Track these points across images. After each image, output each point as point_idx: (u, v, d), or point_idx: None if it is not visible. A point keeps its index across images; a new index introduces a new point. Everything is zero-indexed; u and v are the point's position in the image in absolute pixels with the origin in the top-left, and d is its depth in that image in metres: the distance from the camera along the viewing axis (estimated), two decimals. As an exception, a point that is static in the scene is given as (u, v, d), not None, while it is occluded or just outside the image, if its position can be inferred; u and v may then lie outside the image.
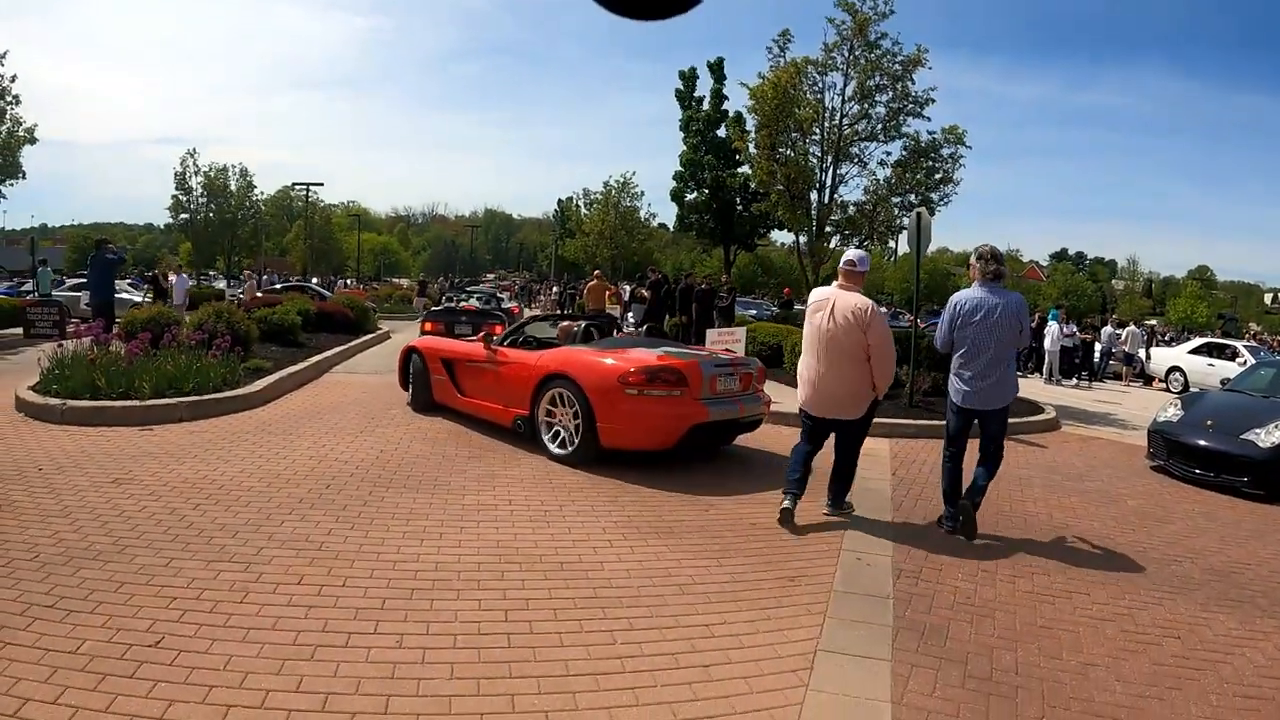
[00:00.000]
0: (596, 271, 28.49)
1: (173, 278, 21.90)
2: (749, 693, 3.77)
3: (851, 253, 6.96)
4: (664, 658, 4.08)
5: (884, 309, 40.40)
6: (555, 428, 8.53)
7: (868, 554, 5.89)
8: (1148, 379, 24.60)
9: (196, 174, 47.22)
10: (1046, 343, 22.45)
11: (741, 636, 4.37)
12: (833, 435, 6.93)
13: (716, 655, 4.13)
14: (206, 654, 3.89)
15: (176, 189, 46.86)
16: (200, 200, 47.51)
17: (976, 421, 6.73)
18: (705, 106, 34.06)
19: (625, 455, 8.20)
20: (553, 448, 8.45)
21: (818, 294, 6.89)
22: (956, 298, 6.73)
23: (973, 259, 6.84)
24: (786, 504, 6.54)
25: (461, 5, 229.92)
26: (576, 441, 8.22)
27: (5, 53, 25.02)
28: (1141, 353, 25.32)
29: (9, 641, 3.87)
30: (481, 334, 10.53)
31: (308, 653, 3.97)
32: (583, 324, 10.51)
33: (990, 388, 6.50)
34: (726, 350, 12.49)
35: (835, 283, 6.84)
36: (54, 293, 25.95)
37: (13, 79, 25.33)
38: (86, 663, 3.72)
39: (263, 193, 54.26)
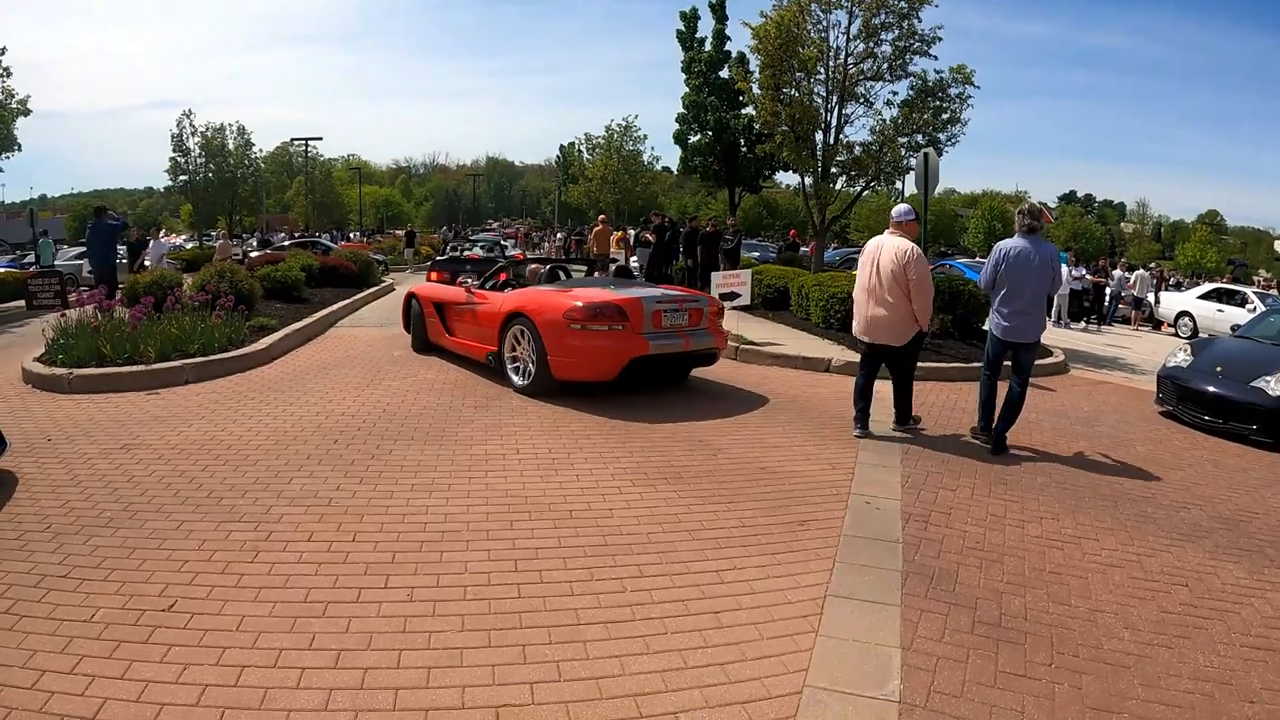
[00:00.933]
0: (601, 216, 28.31)
1: (151, 241, 21.25)
2: (759, 639, 3.78)
3: (897, 208, 8.06)
4: (674, 604, 4.10)
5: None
6: (518, 362, 9.26)
7: (877, 498, 5.88)
8: (1156, 323, 24.50)
9: (193, 135, 46.69)
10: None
11: (752, 582, 4.37)
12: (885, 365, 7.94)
13: (727, 601, 4.14)
14: (219, 615, 3.92)
15: (174, 151, 46.39)
16: (199, 161, 47.00)
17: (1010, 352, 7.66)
18: (707, 47, 33.44)
19: (636, 398, 8.59)
20: (516, 380, 9.22)
21: (871, 241, 7.96)
22: (1001, 245, 7.61)
23: (1015, 213, 7.76)
24: (857, 432, 7.71)
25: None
26: (533, 374, 8.93)
27: None
28: (1150, 296, 25.13)
29: (24, 614, 3.89)
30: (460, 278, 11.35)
31: (319, 609, 4.00)
32: (548, 266, 11.06)
33: (1025, 323, 7.45)
34: (732, 292, 12.51)
35: (887, 231, 7.82)
36: (56, 262, 25.96)
37: (1, 51, 25.10)
38: (101, 630, 3.75)
39: (261, 150, 53.96)
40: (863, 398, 7.81)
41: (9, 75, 25.55)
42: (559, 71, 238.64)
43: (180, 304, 11.54)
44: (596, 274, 12.28)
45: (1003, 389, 7.62)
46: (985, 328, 8.04)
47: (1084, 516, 5.77)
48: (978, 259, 33.01)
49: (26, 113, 26.18)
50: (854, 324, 7.99)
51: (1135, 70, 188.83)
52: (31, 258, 29.85)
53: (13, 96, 25.77)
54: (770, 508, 5.60)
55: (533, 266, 11.20)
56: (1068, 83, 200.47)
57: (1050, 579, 4.61)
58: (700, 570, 4.51)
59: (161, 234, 20.98)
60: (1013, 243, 7.46)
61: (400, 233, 53.44)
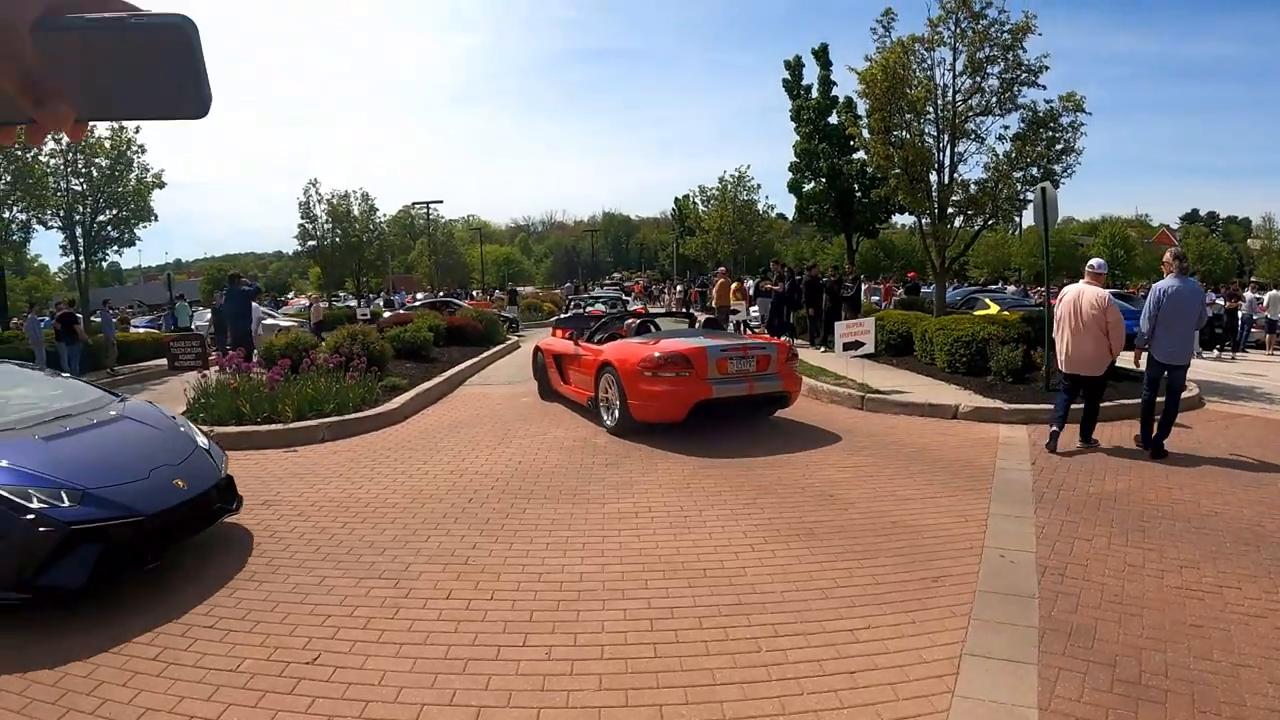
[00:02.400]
0: (721, 269, 28.59)
1: (257, 306, 20.45)
2: (895, 700, 3.83)
3: (1093, 261, 9.76)
4: (809, 664, 4.17)
5: (1011, 286, 39.44)
6: (607, 404, 10.43)
7: (1011, 550, 5.84)
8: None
9: (320, 202, 48.86)
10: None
11: (886, 641, 4.42)
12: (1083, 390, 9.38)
13: (862, 661, 4.20)
14: (361, 670, 4.19)
15: (302, 218, 48.60)
16: (325, 226, 49.07)
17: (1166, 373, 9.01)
18: (814, 94, 33.40)
19: (764, 453, 8.73)
20: (606, 420, 10.45)
21: (1069, 289, 9.61)
22: (1158, 286, 9.11)
23: (1167, 257, 9.38)
24: (1055, 428, 9.17)
25: (553, 15, 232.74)
26: (618, 415, 10.10)
27: None
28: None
29: (172, 661, 4.24)
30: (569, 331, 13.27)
31: (459, 666, 4.22)
32: (639, 320, 12.57)
33: (1179, 349, 8.95)
34: (856, 341, 12.62)
35: (1083, 280, 9.54)
36: (195, 324, 27.64)
37: (136, 130, 26.87)
38: (247, 680, 4.07)
39: (385, 215, 55.78)
40: (1064, 407, 9.26)
41: (144, 151, 27.27)
42: (668, 124, 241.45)
43: (315, 365, 12.19)
44: (692, 325, 13.16)
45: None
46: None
47: (1225, 563, 5.61)
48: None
49: (161, 185, 27.89)
50: (1059, 358, 9.55)
51: (1245, 77, 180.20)
52: (169, 318, 31.76)
53: (148, 171, 27.50)
54: (903, 563, 5.62)
55: (629, 321, 12.58)
56: (1178, 97, 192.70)
57: (1191, 632, 4.51)
58: (835, 629, 4.57)
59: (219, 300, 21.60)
60: (1168, 283, 8.96)
61: (502, 294, 54.55)
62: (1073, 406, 9.39)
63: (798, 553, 5.85)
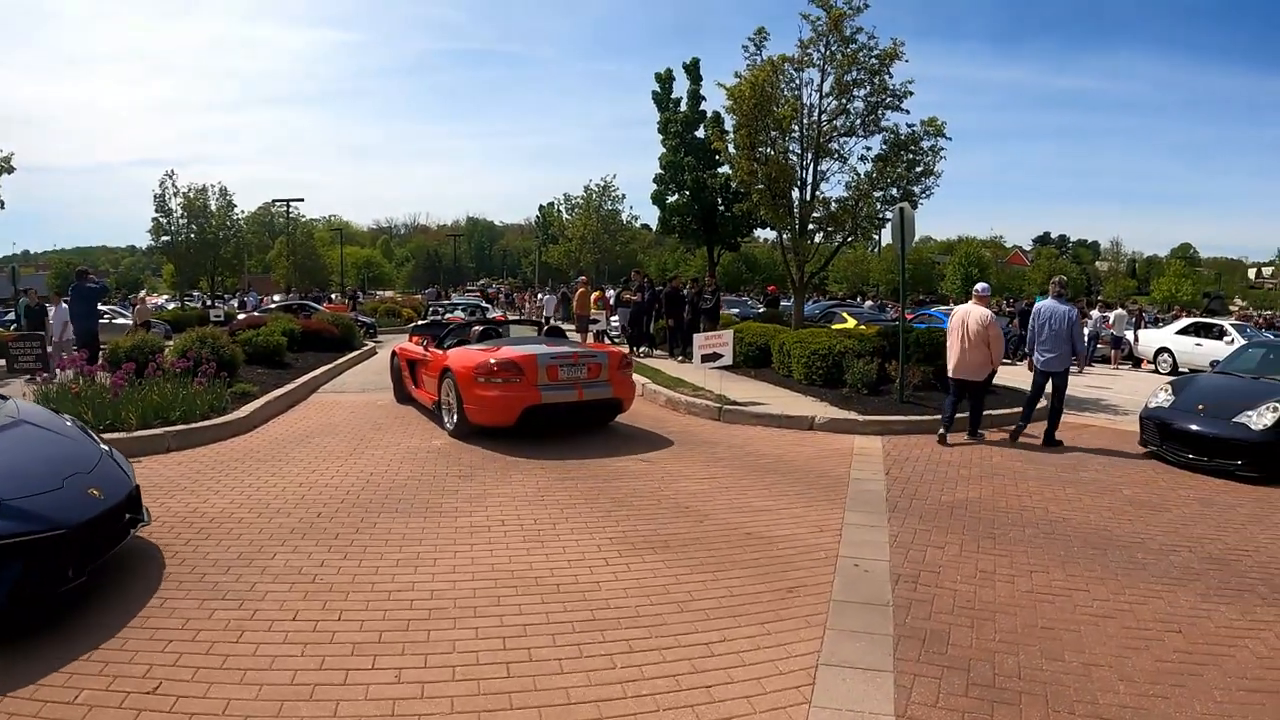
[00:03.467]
0: (582, 278, 28.52)
1: (51, 307, 19.08)
2: (751, 713, 3.75)
3: (979, 285, 11.33)
4: (665, 680, 4.06)
5: (869, 301, 40.55)
6: (447, 408, 10.65)
7: (866, 559, 5.87)
8: (1136, 361, 24.63)
9: (176, 195, 46.66)
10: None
11: (743, 654, 4.35)
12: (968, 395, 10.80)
13: (718, 675, 4.11)
14: (205, 699, 3.88)
15: (156, 211, 46.29)
16: (180, 222, 46.91)
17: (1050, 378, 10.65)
18: (683, 108, 33.89)
19: (620, 465, 8.69)
20: (447, 424, 10.66)
21: (959, 309, 11.03)
22: (1039, 305, 11.17)
23: (1051, 283, 11.51)
24: (941, 431, 10.50)
25: (432, 18, 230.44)
26: (456, 419, 10.35)
27: None
28: (1129, 334, 25.30)
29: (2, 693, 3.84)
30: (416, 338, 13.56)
31: (306, 692, 3.96)
32: (480, 327, 12.72)
33: (1055, 359, 10.57)
34: (715, 353, 12.70)
35: (970, 301, 10.95)
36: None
37: None
38: (84, 714, 3.70)
39: (243, 211, 53.76)
40: (951, 409, 10.59)
41: None
42: (538, 132, 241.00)
43: (162, 370, 11.54)
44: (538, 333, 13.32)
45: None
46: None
47: (1074, 567, 5.78)
48: (950, 306, 33.32)
49: (10, 170, 26.05)
50: (949, 365, 10.80)
51: (1104, 108, 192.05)
52: (10, 315, 29.72)
53: None
54: (759, 574, 5.58)
55: (475, 328, 12.62)
56: (1038, 125, 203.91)
57: (1043, 634, 4.60)
58: (691, 643, 4.47)
59: (63, 300, 19.27)
60: (1047, 303, 10.82)
61: (387, 293, 53.30)
62: (957, 415, 10.65)
63: (653, 566, 5.75)
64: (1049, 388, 10.69)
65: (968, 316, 10.59)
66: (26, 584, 4.55)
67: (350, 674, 4.15)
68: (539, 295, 47.50)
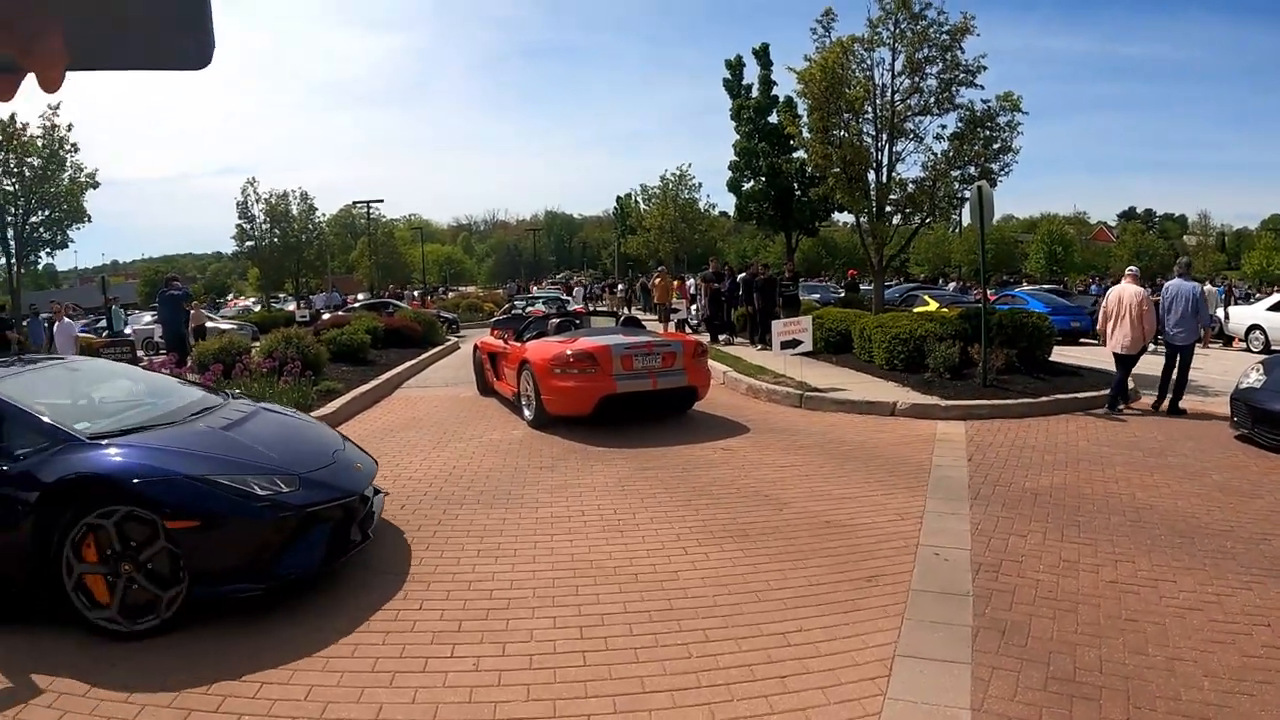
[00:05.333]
0: (661, 268, 28.56)
1: (56, 323, 18.87)
2: (826, 704, 3.75)
3: (1130, 268, 12.31)
4: (740, 670, 4.08)
5: (952, 283, 39.81)
6: (526, 399, 10.85)
7: (946, 548, 5.80)
8: (1227, 339, 23.69)
9: (258, 201, 47.79)
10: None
11: (819, 644, 4.34)
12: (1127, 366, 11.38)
13: (793, 665, 4.11)
14: (288, 685, 4.04)
15: (240, 218, 47.51)
16: (264, 227, 48.09)
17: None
18: (754, 94, 33.53)
19: (703, 454, 8.73)
20: (526, 414, 10.88)
21: (1114, 289, 11.84)
22: (1167, 285, 11.86)
23: (1178, 263, 12.75)
24: (1121, 405, 11.25)
25: (490, 14, 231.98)
26: (534, 410, 10.59)
27: (59, 104, 25.89)
28: (1220, 312, 24.35)
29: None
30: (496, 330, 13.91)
31: (386, 679, 4.09)
32: (559, 319, 13.04)
33: (1183, 333, 11.20)
34: (794, 339, 12.71)
35: (1124, 280, 11.68)
36: (131, 328, 26.94)
37: (69, 128, 26.14)
38: (172, 699, 3.88)
39: (324, 214, 54.82)
40: (1122, 383, 11.29)
41: (77, 150, 26.50)
42: (610, 122, 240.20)
43: (248, 370, 11.89)
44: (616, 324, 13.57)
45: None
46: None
47: (1160, 556, 5.62)
48: (1037, 286, 32.52)
49: (95, 185, 27.05)
50: (1114, 343, 11.31)
51: (1177, 76, 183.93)
52: (104, 323, 30.94)
53: (82, 170, 26.68)
54: (837, 564, 5.55)
55: (553, 321, 12.88)
56: (1115, 95, 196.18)
57: (1126, 627, 4.49)
58: (767, 633, 4.48)
59: (68, 311, 19.15)
60: (1174, 282, 11.57)
61: (470, 289, 53.80)
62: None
63: (731, 555, 5.76)
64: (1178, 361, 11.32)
65: (1123, 294, 11.32)
66: (334, 546, 5.29)
67: (429, 661, 4.27)
68: (619, 287, 47.61)
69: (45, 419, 5.27)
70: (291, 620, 4.82)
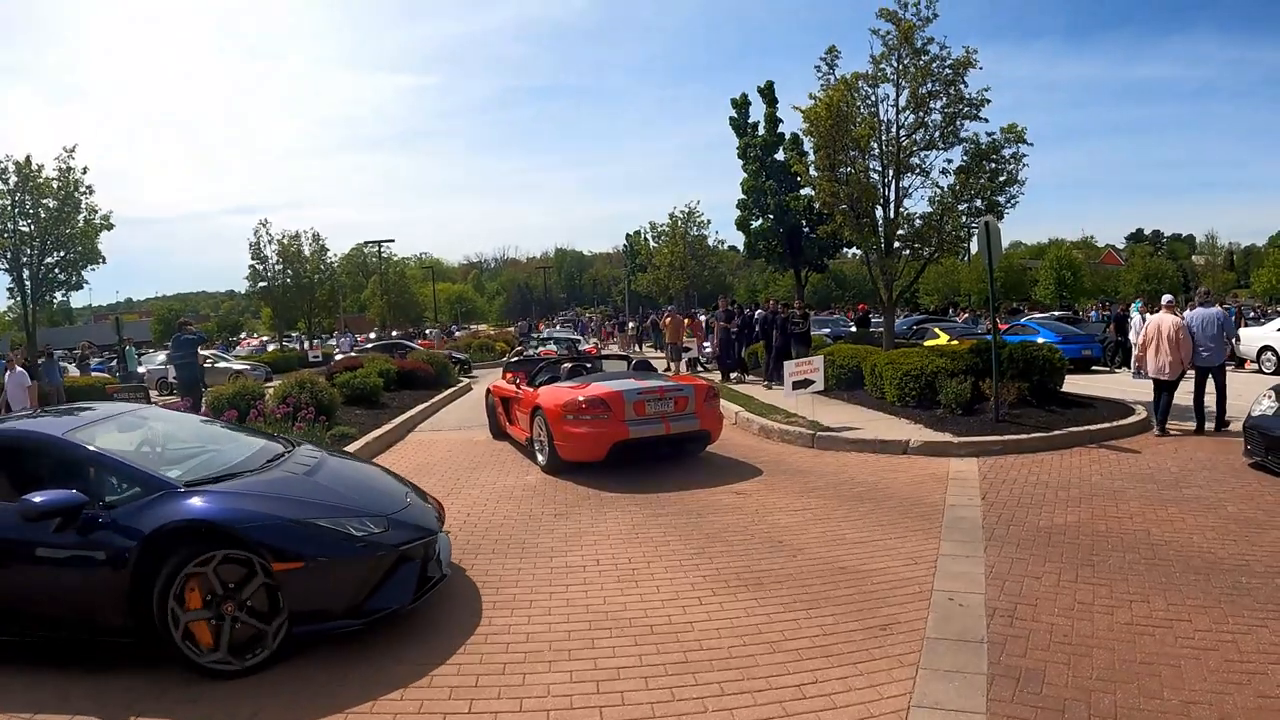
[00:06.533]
0: (670, 307, 28.67)
1: (8, 373, 17.07)
2: (843, 759, 3.76)
3: (1165, 296, 13.05)
4: (756, 725, 4.08)
5: (964, 314, 39.63)
6: (539, 444, 10.92)
7: (960, 593, 5.80)
8: (1239, 361, 23.53)
9: (270, 242, 48.29)
10: (1131, 335, 21.71)
11: (834, 695, 4.34)
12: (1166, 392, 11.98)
13: (809, 718, 4.13)
14: None
15: (252, 258, 47.94)
16: (276, 267, 48.52)
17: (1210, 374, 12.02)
18: (761, 132, 33.98)
19: (714, 499, 8.81)
20: (540, 459, 10.94)
21: (1153, 318, 12.57)
22: (1189, 314, 12.34)
23: (1197, 292, 14.09)
24: (1155, 431, 11.87)
25: (497, 55, 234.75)
26: (547, 455, 10.63)
27: (75, 146, 26.21)
28: (1228, 334, 24.17)
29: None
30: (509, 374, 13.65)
31: (400, 736, 4.10)
32: (569, 364, 12.95)
33: (1212, 355, 11.94)
34: (805, 380, 12.72)
35: (1161, 311, 12.43)
36: (145, 368, 27.36)
37: (84, 170, 26.44)
38: None
39: (335, 254, 55.23)
40: (1164, 408, 11.93)
41: (91, 193, 26.78)
42: (618, 161, 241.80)
43: (263, 416, 11.97)
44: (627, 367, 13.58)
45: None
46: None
47: (1175, 595, 5.61)
48: (1047, 315, 32.39)
49: (110, 227, 27.21)
50: (1150, 368, 12.07)
51: (1182, 97, 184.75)
52: (116, 362, 31.36)
53: (96, 212, 26.96)
54: (851, 612, 5.56)
55: (565, 365, 12.82)
56: (1120, 120, 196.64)
57: (1141, 670, 4.48)
58: (782, 685, 4.49)
59: (20, 360, 18.26)
60: (1197, 310, 12.27)
61: (481, 327, 53.94)
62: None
63: (745, 604, 5.78)
64: (1210, 385, 12.02)
65: (1162, 324, 12.02)
66: (421, 580, 5.59)
67: (448, 718, 4.30)
68: (629, 325, 47.64)
69: (140, 468, 5.55)
70: (306, 673, 4.87)
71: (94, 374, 29.74)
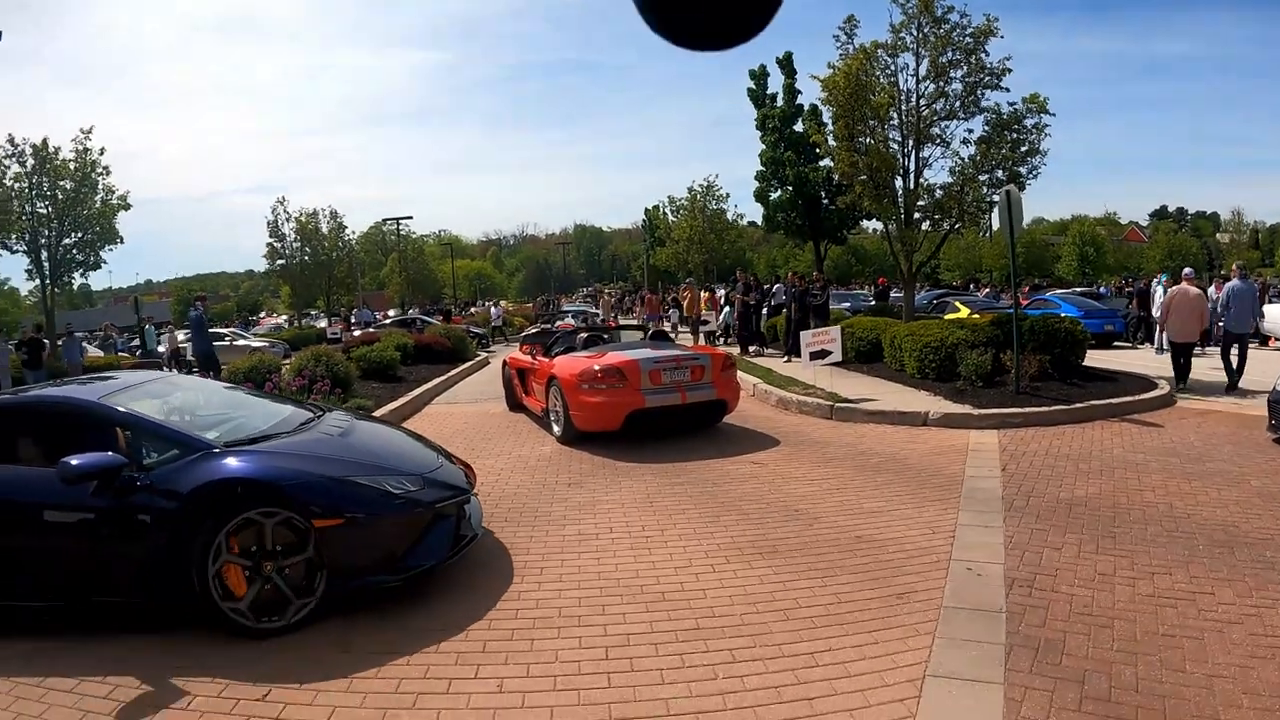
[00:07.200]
0: (689, 281, 28.56)
1: None
2: (854, 726, 3.68)
3: (1186, 270, 15.01)
4: (767, 691, 4.02)
5: (985, 289, 39.29)
6: (555, 415, 10.85)
7: (978, 563, 5.69)
8: (1264, 339, 23.23)
9: (288, 220, 48.27)
10: (1155, 310, 21.45)
11: (848, 664, 4.26)
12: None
13: (821, 686, 4.05)
14: (310, 706, 4.07)
15: (270, 236, 47.99)
16: (294, 245, 48.56)
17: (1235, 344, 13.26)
18: (779, 103, 33.54)
19: (731, 468, 8.68)
20: (555, 430, 10.87)
21: (1175, 289, 13.58)
22: (1226, 286, 14.21)
23: (1234, 267, 15.36)
24: (1179, 386, 12.95)
25: (512, 31, 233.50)
26: (563, 425, 10.55)
27: (91, 128, 26.37)
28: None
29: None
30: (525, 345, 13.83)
31: (409, 701, 4.11)
32: (585, 334, 12.91)
33: (1242, 323, 13.31)
34: (823, 350, 12.60)
35: (1183, 283, 13.61)
36: (163, 346, 27.85)
37: (101, 151, 26.61)
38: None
39: (354, 232, 55.30)
40: (1183, 373, 13.19)
41: (108, 174, 26.98)
42: (636, 135, 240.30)
43: (279, 388, 11.94)
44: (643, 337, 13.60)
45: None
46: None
47: (1197, 568, 5.48)
48: (1063, 290, 32.08)
49: (127, 207, 27.51)
50: (1170, 333, 13.39)
51: (1204, 73, 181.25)
52: (137, 342, 31.85)
53: (113, 193, 27.16)
54: (867, 580, 5.47)
55: (581, 335, 12.81)
56: (1143, 95, 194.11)
57: (1163, 643, 4.37)
58: (794, 653, 4.41)
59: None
60: (1233, 283, 13.80)
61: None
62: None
63: (760, 572, 5.70)
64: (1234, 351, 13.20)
65: (1183, 293, 13.27)
66: (457, 538, 5.73)
67: (453, 683, 4.28)
68: (643, 296, 47.58)
69: (180, 430, 5.72)
70: (313, 641, 4.85)
71: (118, 353, 30.22)
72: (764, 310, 21.91)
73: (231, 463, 5.26)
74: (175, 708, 4.17)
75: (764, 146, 33.39)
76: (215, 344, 19.24)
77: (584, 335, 12.78)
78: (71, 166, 26.09)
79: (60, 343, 23.20)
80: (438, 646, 4.70)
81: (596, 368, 10.18)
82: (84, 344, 26.16)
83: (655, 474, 8.71)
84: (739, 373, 13.07)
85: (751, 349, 21.05)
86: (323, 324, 45.62)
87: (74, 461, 4.86)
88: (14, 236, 25.59)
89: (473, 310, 52.72)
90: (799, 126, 32.15)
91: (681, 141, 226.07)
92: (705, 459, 9.31)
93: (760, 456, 9.40)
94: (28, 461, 5.62)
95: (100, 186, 26.77)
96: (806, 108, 31.55)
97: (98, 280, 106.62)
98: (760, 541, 6.35)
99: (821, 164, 28.76)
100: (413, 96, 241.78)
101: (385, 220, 71.25)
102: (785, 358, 18.79)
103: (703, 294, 26.19)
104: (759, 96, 34.13)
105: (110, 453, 5.07)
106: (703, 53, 1.29)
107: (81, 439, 5.31)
